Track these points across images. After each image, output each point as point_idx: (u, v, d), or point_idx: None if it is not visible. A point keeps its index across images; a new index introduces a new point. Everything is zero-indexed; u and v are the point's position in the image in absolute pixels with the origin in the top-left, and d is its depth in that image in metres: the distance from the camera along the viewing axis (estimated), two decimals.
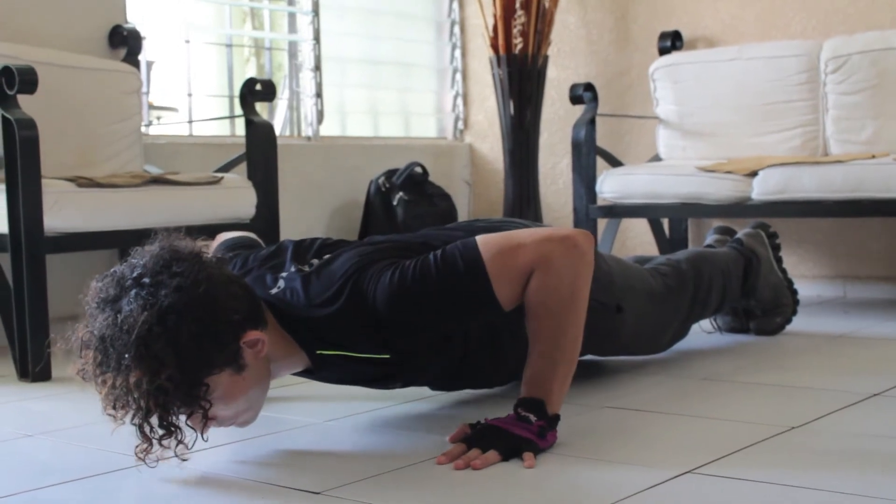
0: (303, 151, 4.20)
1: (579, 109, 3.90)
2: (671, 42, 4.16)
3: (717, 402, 2.19)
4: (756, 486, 1.56)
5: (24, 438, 2.01)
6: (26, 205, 2.56)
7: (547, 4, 4.29)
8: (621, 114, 4.29)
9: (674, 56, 4.10)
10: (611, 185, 3.74)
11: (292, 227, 3.82)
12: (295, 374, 1.99)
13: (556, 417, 1.80)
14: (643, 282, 2.46)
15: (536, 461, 1.70)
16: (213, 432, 1.79)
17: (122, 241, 3.02)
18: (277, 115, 4.32)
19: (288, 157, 3.90)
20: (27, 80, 2.62)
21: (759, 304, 2.91)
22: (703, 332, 2.98)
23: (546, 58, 4.33)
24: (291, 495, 1.59)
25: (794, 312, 2.99)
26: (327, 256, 1.87)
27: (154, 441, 1.65)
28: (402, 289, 1.75)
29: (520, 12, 4.23)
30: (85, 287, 1.72)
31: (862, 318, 3.31)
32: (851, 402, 2.10)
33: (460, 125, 4.93)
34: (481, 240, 1.80)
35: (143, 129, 3.60)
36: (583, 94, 3.86)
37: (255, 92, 3.29)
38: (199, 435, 1.73)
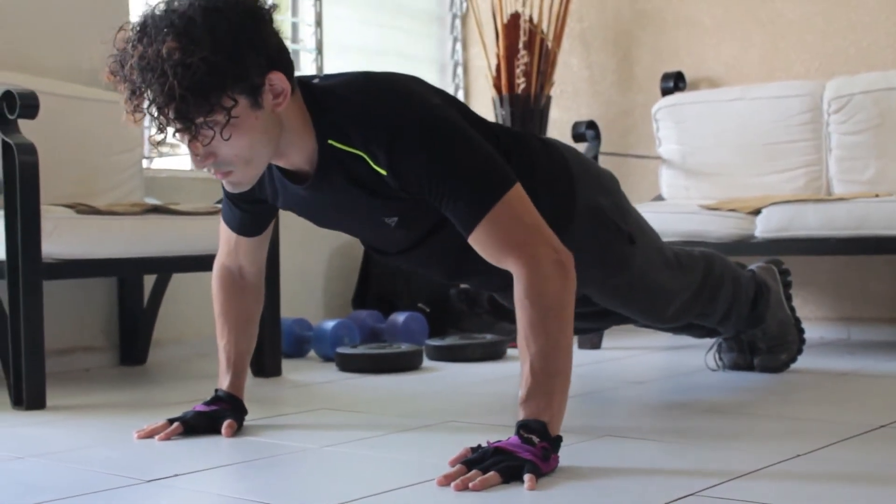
0: None
1: (581, 149, 3.88)
2: (674, 83, 4.16)
3: (722, 431, 2.16)
4: None
5: (14, 461, 1.97)
6: (24, 230, 2.53)
7: (550, 45, 4.30)
8: (624, 153, 4.28)
9: (677, 96, 4.11)
10: None
11: (292, 267, 3.80)
12: (287, 207, 2.06)
13: (559, 439, 1.76)
14: (656, 238, 2.44)
15: (538, 484, 1.66)
16: (208, 448, 1.76)
17: (121, 270, 3.01)
18: None
19: None
20: (28, 104, 2.61)
21: (764, 338, 2.87)
22: (706, 370, 2.95)
23: (549, 98, 4.33)
24: None
25: (800, 351, 2.95)
26: None
27: (167, 132, 1.74)
28: (437, 125, 1.82)
29: (523, 52, 4.24)
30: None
31: (867, 358, 3.27)
32: (859, 433, 2.06)
33: None
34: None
35: (144, 163, 3.59)
36: (585, 132, 3.86)
37: None
38: (193, 163, 1.80)
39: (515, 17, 4.29)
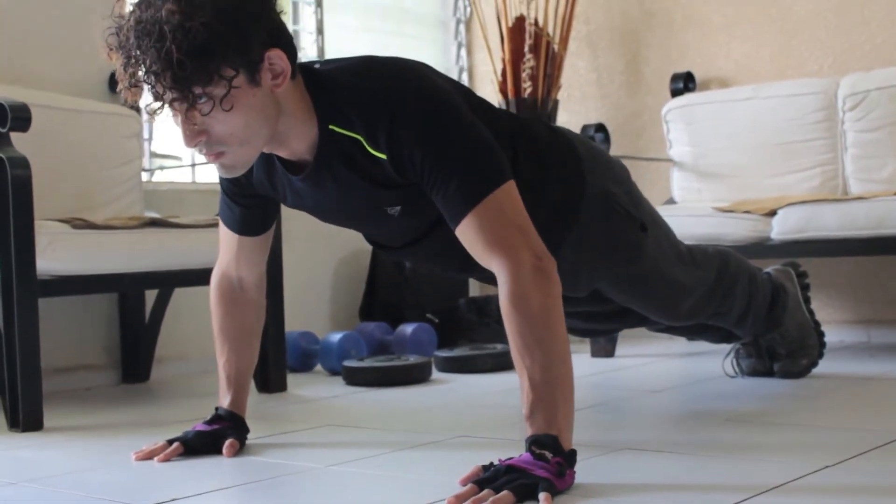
0: None
1: None
2: (684, 83, 4.07)
3: (745, 442, 2.06)
4: None
5: (6, 486, 1.88)
6: (18, 246, 2.45)
7: (556, 48, 4.22)
8: (634, 156, 4.19)
9: (687, 97, 4.02)
10: None
11: (297, 278, 3.71)
12: (290, 198, 1.96)
13: (573, 453, 1.67)
14: (669, 232, 2.36)
15: (554, 503, 1.57)
16: (209, 469, 1.67)
17: (119, 285, 2.93)
18: None
19: None
20: (20, 116, 2.53)
21: (784, 342, 2.77)
22: (724, 377, 2.85)
23: (556, 102, 4.24)
24: None
25: (821, 355, 2.85)
26: None
27: (164, 102, 1.65)
28: (437, 106, 1.76)
29: (528, 56, 4.15)
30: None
31: (889, 362, 3.18)
32: (889, 441, 1.96)
33: None
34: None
35: (145, 176, 3.51)
36: (594, 135, 3.77)
37: None
38: (184, 140, 1.70)
39: (520, 20, 4.21)
